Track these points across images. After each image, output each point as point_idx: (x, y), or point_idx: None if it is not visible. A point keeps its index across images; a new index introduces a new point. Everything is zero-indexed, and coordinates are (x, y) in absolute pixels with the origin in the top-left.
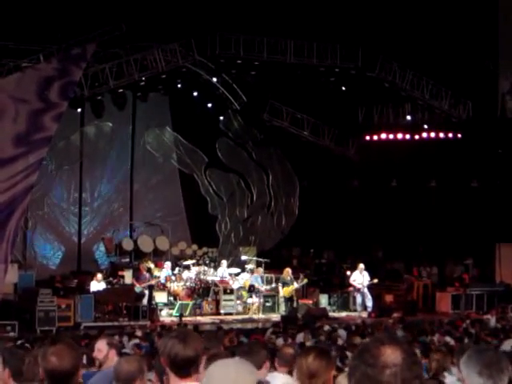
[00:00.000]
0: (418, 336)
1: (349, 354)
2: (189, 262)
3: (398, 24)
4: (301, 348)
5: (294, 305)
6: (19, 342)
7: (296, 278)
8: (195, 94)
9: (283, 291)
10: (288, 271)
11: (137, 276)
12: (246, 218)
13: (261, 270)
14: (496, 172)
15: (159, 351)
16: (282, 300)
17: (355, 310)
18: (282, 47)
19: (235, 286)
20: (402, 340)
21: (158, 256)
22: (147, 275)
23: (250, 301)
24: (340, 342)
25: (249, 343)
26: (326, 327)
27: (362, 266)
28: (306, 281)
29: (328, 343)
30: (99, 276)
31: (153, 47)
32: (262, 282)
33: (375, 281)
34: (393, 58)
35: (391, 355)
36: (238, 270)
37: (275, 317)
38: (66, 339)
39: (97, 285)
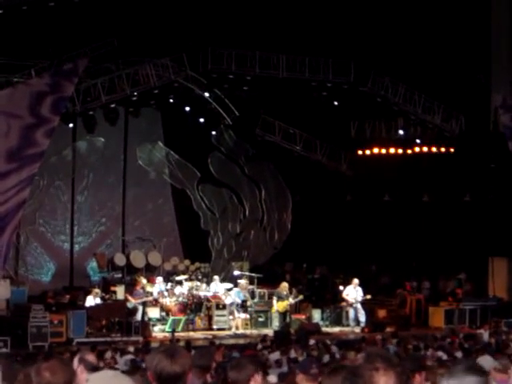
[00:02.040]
0: (414, 351)
1: None
2: (181, 277)
3: (390, 39)
4: (294, 363)
5: (287, 320)
6: (18, 358)
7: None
8: (187, 108)
9: (277, 305)
10: (285, 286)
11: (131, 291)
12: (238, 233)
13: (244, 284)
14: (489, 186)
15: (146, 366)
16: (275, 315)
17: (348, 325)
18: (274, 62)
19: (228, 301)
20: (396, 361)
21: (151, 271)
22: (141, 291)
23: (242, 316)
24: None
25: (238, 358)
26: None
27: (356, 281)
28: (301, 297)
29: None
30: (95, 291)
31: (145, 62)
32: (243, 297)
33: (368, 297)
34: (385, 72)
35: None
36: (230, 285)
37: (268, 332)
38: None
39: (92, 300)
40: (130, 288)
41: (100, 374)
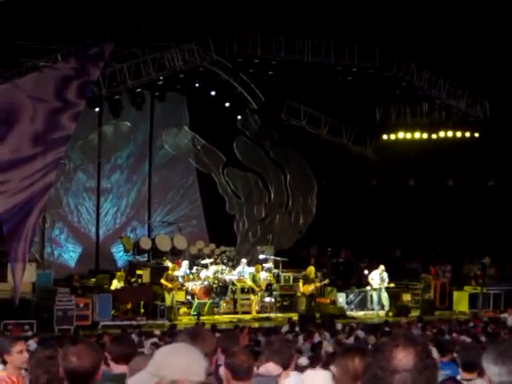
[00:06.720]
0: (438, 335)
1: None
2: (206, 260)
3: (416, 24)
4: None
5: (312, 304)
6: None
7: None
8: (213, 93)
9: (303, 288)
10: (312, 269)
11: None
12: (263, 217)
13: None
14: None
15: None
16: (300, 299)
17: (373, 309)
18: (300, 46)
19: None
20: (418, 340)
21: (176, 255)
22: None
23: (267, 300)
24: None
25: (274, 342)
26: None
27: (382, 267)
28: (327, 281)
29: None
30: (119, 275)
31: (170, 47)
32: (255, 280)
33: (392, 285)
34: (410, 57)
35: (403, 359)
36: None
37: (293, 316)
38: (86, 339)
39: (117, 284)
40: (159, 271)
41: (171, 348)
